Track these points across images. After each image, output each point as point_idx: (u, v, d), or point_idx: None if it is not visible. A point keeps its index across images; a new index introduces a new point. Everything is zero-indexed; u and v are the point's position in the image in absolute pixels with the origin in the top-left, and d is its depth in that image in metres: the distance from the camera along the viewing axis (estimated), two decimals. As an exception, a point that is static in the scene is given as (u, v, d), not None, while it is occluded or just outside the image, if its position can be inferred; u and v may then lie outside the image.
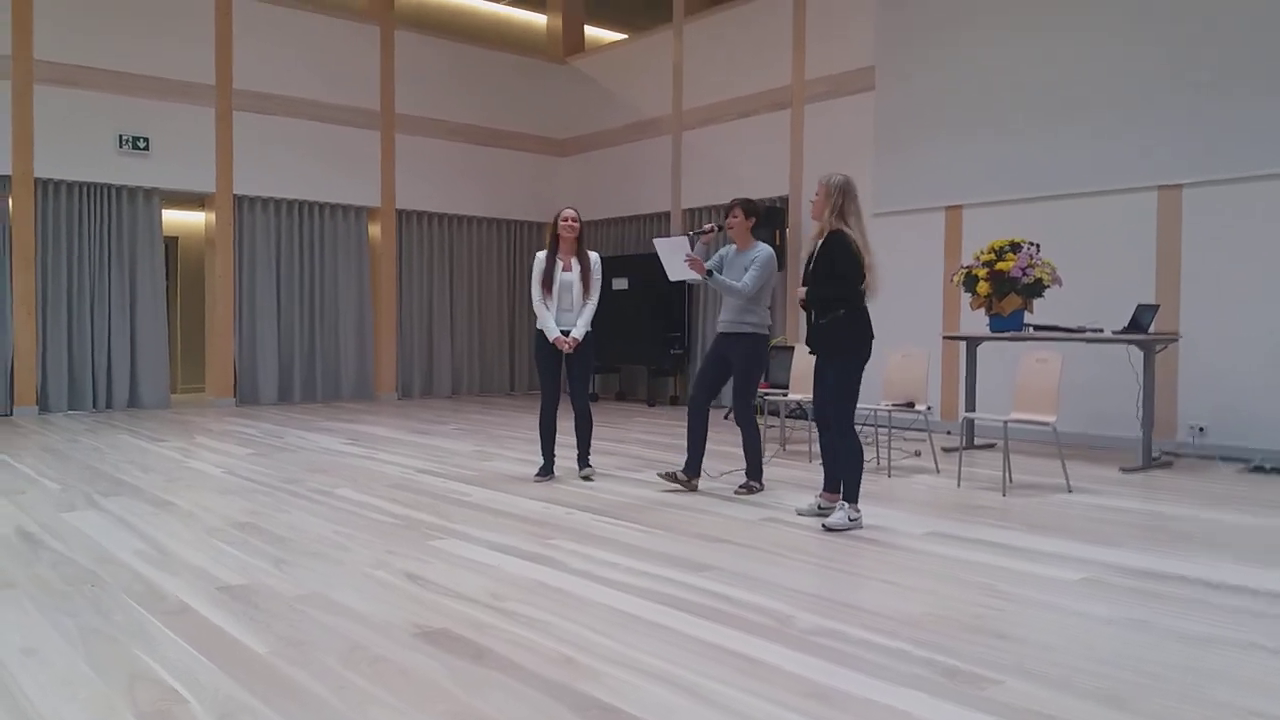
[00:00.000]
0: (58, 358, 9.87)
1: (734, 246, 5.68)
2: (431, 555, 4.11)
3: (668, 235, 11.95)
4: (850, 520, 4.67)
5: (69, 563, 3.94)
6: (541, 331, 6.00)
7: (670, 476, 5.72)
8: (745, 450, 5.69)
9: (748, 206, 5.60)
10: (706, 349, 11.30)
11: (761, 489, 5.67)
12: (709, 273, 5.42)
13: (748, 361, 5.54)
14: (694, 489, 5.69)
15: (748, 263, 5.51)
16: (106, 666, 2.77)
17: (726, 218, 5.63)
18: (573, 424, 6.15)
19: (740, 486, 5.66)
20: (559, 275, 5.98)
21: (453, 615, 3.26)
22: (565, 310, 6.00)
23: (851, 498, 4.73)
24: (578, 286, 5.97)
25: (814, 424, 5.10)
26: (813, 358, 4.94)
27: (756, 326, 5.53)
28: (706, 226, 5.64)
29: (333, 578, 3.74)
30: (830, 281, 4.68)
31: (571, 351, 5.93)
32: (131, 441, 7.78)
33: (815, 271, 4.75)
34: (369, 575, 3.78)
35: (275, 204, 11.24)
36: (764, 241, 6.42)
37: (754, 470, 5.69)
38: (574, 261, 6.01)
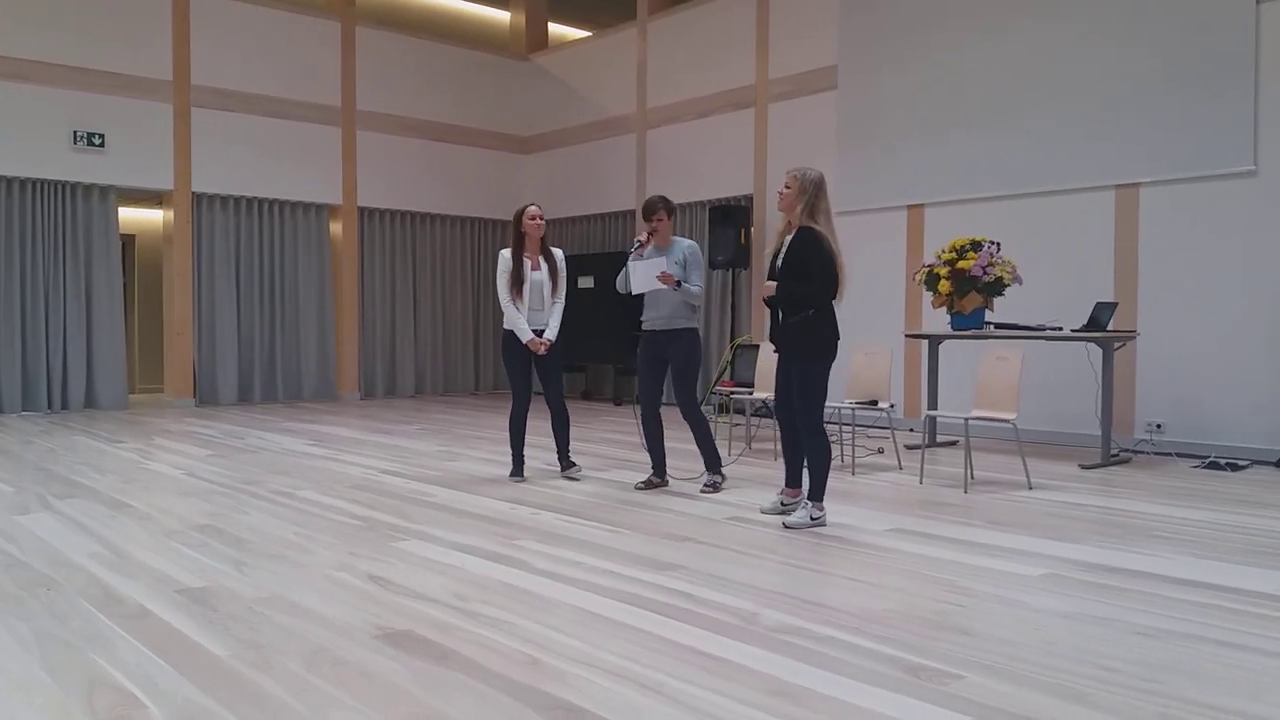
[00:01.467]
0: (10, 358, 9.68)
1: (653, 245, 5.65)
2: (394, 556, 4.08)
3: (635, 235, 11.96)
4: (813, 519, 4.68)
5: (23, 566, 3.87)
6: (510, 332, 5.94)
7: (647, 484, 5.76)
8: (699, 445, 5.67)
9: (669, 206, 5.64)
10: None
11: (724, 479, 5.72)
12: (679, 283, 5.45)
13: (688, 357, 5.59)
14: (666, 484, 5.78)
15: (679, 259, 5.54)
16: (63, 672, 2.72)
17: (651, 220, 5.59)
18: (549, 424, 6.11)
19: (706, 485, 5.66)
20: (529, 275, 5.92)
21: (416, 617, 3.24)
22: (535, 310, 5.94)
23: (817, 496, 4.73)
24: (547, 285, 5.92)
25: (777, 421, 5.11)
26: (775, 355, 4.94)
27: (692, 322, 5.61)
28: (642, 237, 5.60)
29: (294, 580, 3.70)
30: (804, 281, 4.65)
31: (545, 352, 5.90)
32: (87, 443, 7.65)
33: (785, 269, 4.72)
34: (331, 577, 3.75)
35: (234, 201, 11.11)
36: (729, 240, 6.41)
37: (713, 462, 5.71)
38: (541, 260, 5.96)
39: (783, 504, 4.95)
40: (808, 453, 4.78)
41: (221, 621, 3.18)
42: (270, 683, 2.65)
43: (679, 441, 7.33)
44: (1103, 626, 3.19)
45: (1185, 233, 7.37)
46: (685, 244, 5.63)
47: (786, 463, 5.03)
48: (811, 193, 4.66)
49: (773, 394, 5.10)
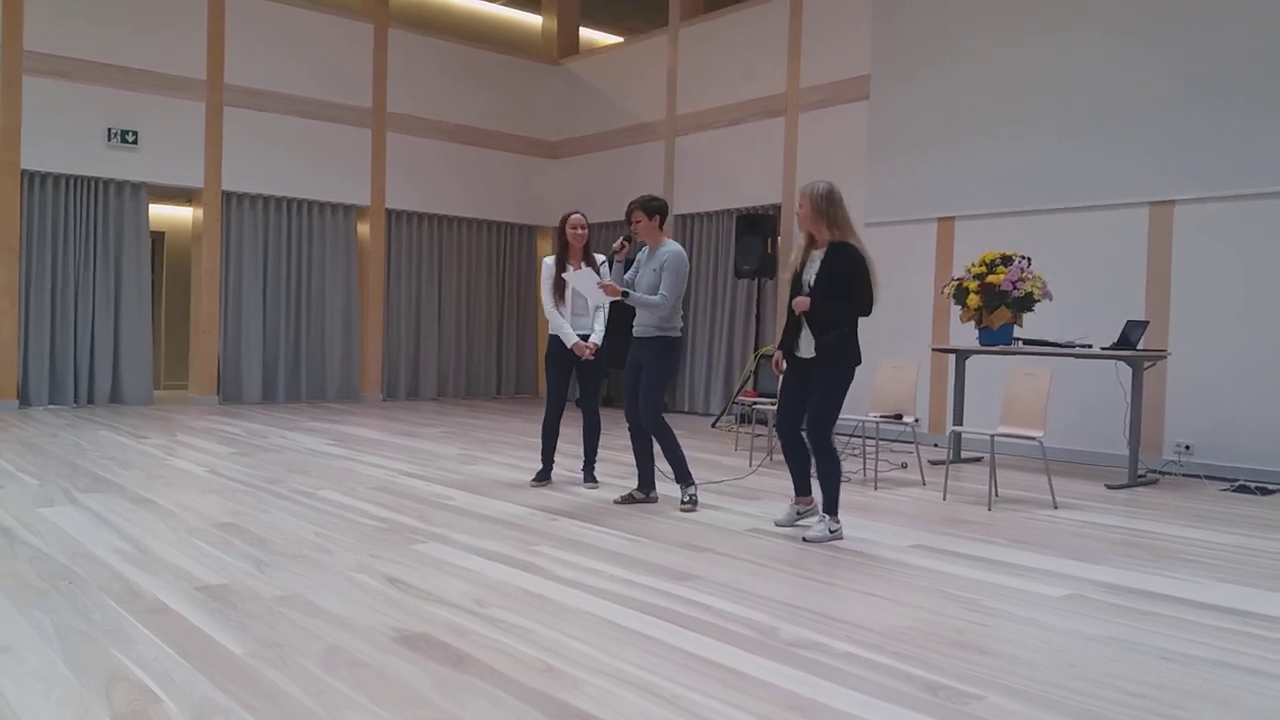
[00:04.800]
0: (39, 351, 9.78)
1: (648, 247, 5.48)
2: (414, 559, 4.08)
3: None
4: (830, 532, 4.65)
5: (46, 559, 3.90)
6: (555, 337, 5.95)
7: (628, 499, 5.56)
8: (668, 458, 5.37)
9: (647, 206, 5.37)
10: (691, 355, 11.33)
11: (694, 500, 5.38)
12: (624, 293, 5.26)
13: (656, 365, 5.33)
14: (654, 500, 5.57)
15: (658, 265, 5.30)
16: (83, 665, 2.74)
17: (629, 224, 5.44)
18: (580, 431, 6.09)
19: (684, 503, 5.38)
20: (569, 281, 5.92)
21: (433, 620, 3.23)
22: (579, 315, 5.94)
23: (831, 509, 4.70)
24: None
25: (778, 432, 5.00)
26: (785, 367, 4.89)
27: (666, 330, 5.31)
28: (615, 244, 5.42)
29: (313, 580, 3.70)
30: (846, 299, 4.60)
31: (591, 358, 5.88)
32: (112, 437, 7.71)
33: (822, 285, 4.65)
34: (350, 578, 3.75)
35: (264, 201, 11.19)
36: (756, 249, 6.24)
37: (683, 475, 5.39)
38: (583, 266, 5.93)
39: (798, 513, 4.92)
40: (821, 466, 4.72)
41: (240, 619, 3.18)
42: (287, 682, 2.65)
43: (687, 449, 7.30)
44: (1127, 650, 3.14)
45: (1220, 252, 7.27)
46: (668, 249, 5.32)
47: (793, 472, 4.95)
48: (826, 207, 4.62)
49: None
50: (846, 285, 4.60)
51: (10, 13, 9.52)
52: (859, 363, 4.71)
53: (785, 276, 4.92)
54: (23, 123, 9.60)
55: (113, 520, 4.66)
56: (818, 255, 4.71)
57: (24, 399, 9.71)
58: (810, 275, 4.72)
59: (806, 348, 4.75)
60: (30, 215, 9.75)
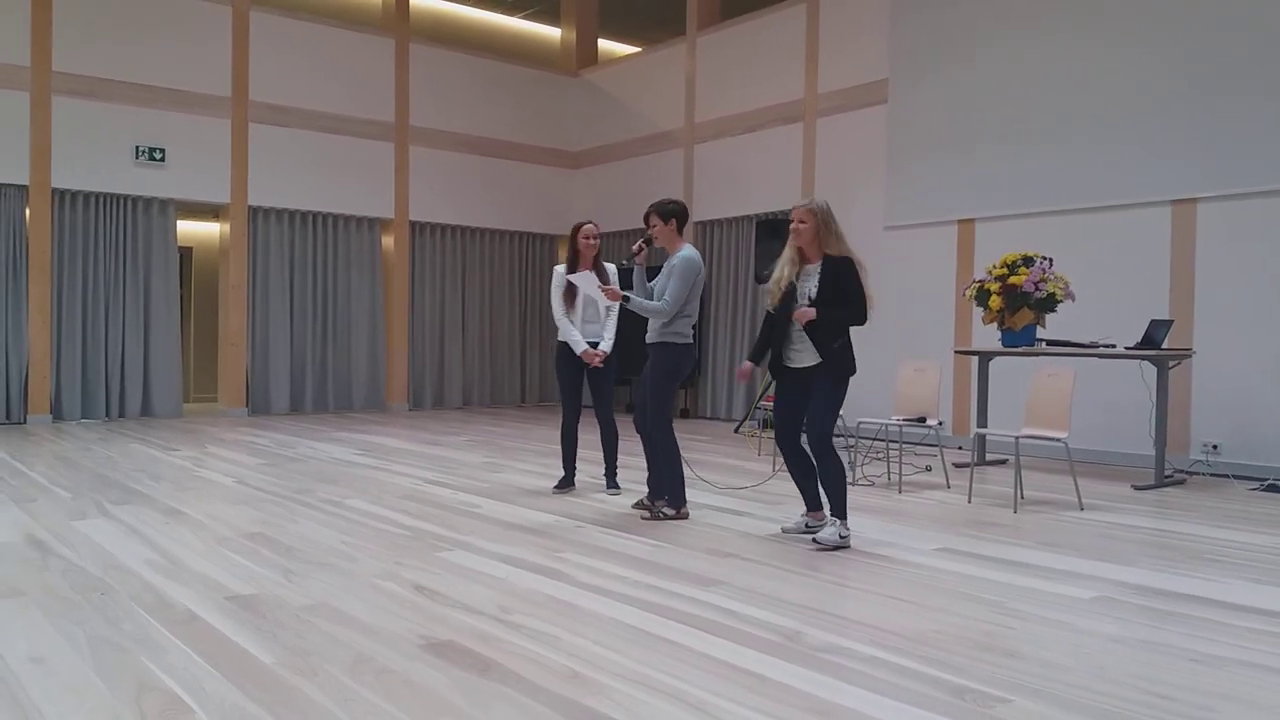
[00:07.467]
0: (71, 366, 9.92)
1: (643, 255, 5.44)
2: (440, 567, 4.11)
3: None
4: (841, 537, 4.59)
5: (79, 571, 3.95)
6: (563, 344, 5.98)
7: (643, 508, 5.45)
8: (663, 470, 5.30)
9: (662, 209, 5.34)
10: (713, 361, 11.33)
11: (667, 514, 5.26)
12: (625, 298, 5.26)
13: (656, 370, 5.29)
14: (685, 517, 5.41)
15: (670, 270, 5.26)
16: (114, 675, 2.78)
17: (648, 229, 5.41)
18: (598, 438, 6.09)
19: (642, 505, 5.39)
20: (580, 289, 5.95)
21: (460, 628, 3.26)
22: (590, 322, 5.98)
23: (840, 514, 4.65)
24: (601, 298, 5.92)
25: (779, 444, 4.95)
26: (781, 381, 4.89)
27: (670, 336, 5.25)
28: (634, 248, 5.39)
29: (341, 589, 3.74)
30: (848, 309, 4.62)
31: (600, 365, 5.90)
32: (143, 450, 7.80)
33: (823, 297, 4.64)
34: (377, 586, 3.78)
35: (289, 215, 11.30)
36: (776, 254, 6.05)
37: (659, 489, 5.33)
38: (593, 274, 5.95)
39: (807, 525, 4.89)
40: (825, 471, 4.68)
41: (269, 628, 3.22)
42: (315, 690, 2.68)
43: (713, 454, 7.30)
44: (1155, 652, 3.12)
45: (1245, 249, 7.21)
46: (680, 254, 5.26)
47: (800, 488, 4.92)
48: (830, 222, 4.66)
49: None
50: (845, 297, 4.62)
51: (39, 35, 9.68)
52: (855, 372, 4.73)
53: (772, 290, 4.83)
54: (53, 142, 9.76)
55: (144, 531, 4.73)
56: (813, 269, 4.69)
57: (57, 413, 9.85)
58: (809, 288, 4.68)
59: (802, 358, 4.73)
60: (61, 233, 9.90)
